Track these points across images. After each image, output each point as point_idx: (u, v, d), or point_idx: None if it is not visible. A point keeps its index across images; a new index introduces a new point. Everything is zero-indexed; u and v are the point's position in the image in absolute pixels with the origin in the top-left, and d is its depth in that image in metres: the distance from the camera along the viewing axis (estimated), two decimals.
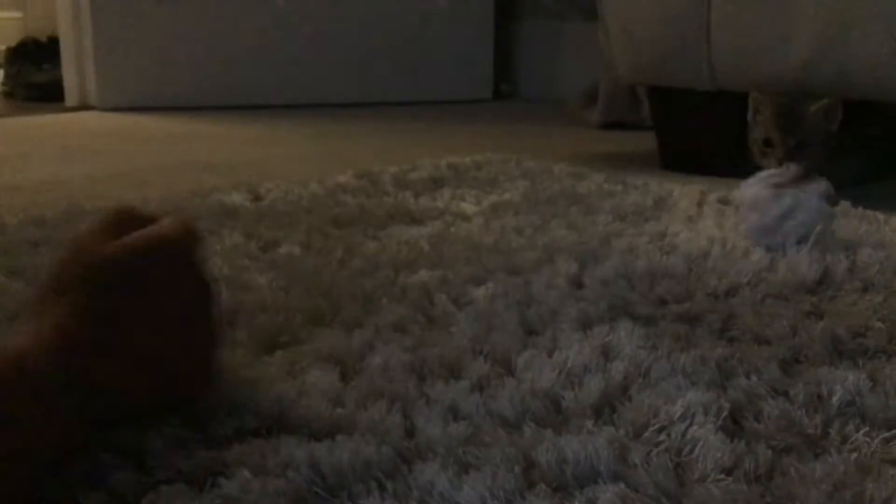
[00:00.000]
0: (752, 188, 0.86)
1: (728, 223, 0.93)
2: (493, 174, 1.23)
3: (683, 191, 1.11)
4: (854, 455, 0.44)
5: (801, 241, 0.81)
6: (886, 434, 0.46)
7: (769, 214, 0.83)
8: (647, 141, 1.54)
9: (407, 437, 0.47)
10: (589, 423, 0.48)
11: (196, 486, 0.43)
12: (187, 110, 2.10)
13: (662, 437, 0.46)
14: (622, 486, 0.42)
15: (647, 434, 0.47)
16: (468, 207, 1.04)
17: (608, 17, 1.41)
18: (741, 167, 1.30)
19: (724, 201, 1.04)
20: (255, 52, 2.18)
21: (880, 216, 0.97)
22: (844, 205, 0.98)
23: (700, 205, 1.03)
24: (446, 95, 2.29)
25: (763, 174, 0.87)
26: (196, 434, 0.47)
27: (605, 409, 0.50)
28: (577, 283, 0.74)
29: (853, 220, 0.94)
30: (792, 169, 0.88)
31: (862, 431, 0.47)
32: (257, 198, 1.08)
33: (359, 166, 1.30)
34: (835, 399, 0.50)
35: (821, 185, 0.84)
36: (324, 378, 0.53)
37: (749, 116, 1.19)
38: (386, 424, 0.47)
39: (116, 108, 2.12)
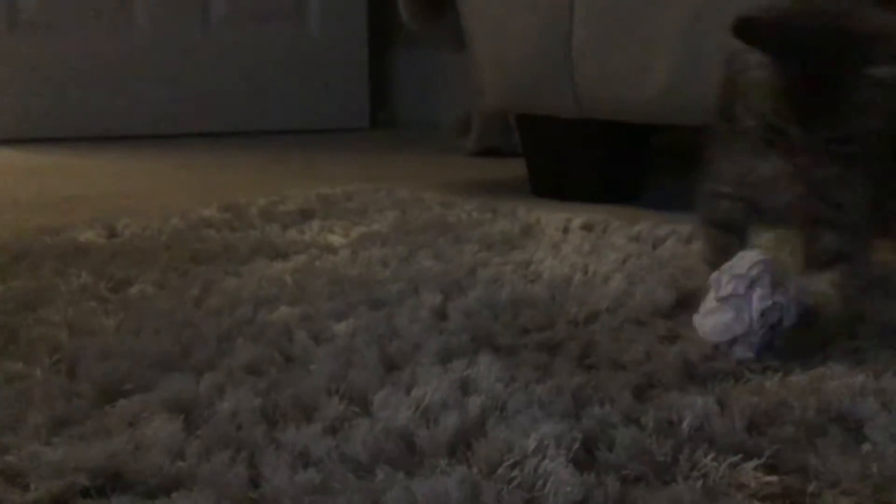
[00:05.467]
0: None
1: (588, 248, 0.94)
2: (363, 205, 1.21)
3: (550, 218, 1.12)
4: (700, 482, 0.45)
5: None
6: (733, 458, 0.47)
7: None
8: (519, 168, 1.55)
9: (251, 489, 0.45)
10: (443, 463, 0.47)
11: None
12: (44, 142, 2.00)
13: (515, 472, 0.45)
14: None
15: (500, 471, 0.46)
16: (336, 239, 1.02)
17: (476, 46, 1.42)
18: (606, 193, 1.34)
19: (587, 227, 1.06)
20: (117, 81, 2.10)
21: None
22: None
23: (565, 231, 1.05)
24: (322, 124, 2.26)
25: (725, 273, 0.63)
26: (18, 496, 0.43)
27: (459, 447, 0.49)
28: (441, 315, 0.73)
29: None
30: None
31: (710, 457, 0.47)
32: (113, 234, 1.02)
33: (226, 199, 1.27)
34: (685, 424, 0.51)
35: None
36: (165, 428, 0.50)
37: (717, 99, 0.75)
38: (228, 476, 0.45)
39: None
